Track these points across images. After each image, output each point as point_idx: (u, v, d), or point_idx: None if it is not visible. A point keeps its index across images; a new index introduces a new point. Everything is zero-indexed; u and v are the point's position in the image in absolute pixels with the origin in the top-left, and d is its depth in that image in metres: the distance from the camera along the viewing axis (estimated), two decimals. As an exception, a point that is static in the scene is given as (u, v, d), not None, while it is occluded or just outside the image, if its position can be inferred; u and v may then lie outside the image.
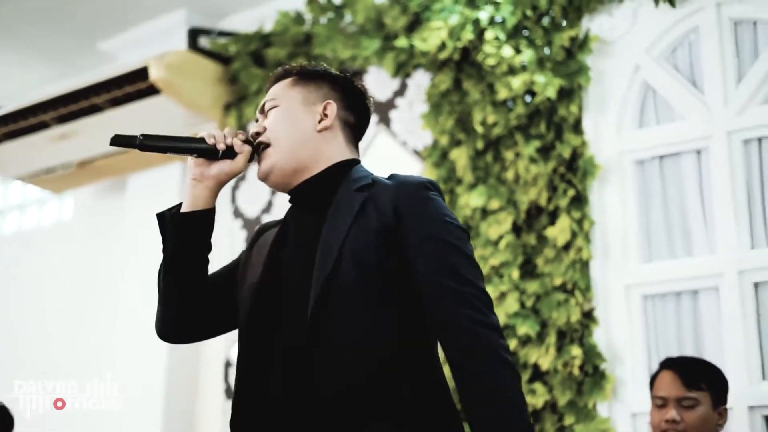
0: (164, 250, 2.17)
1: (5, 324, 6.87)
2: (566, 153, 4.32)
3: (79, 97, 5.71)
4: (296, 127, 2.21)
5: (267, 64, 5.54)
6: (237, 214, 5.57)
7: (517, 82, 4.44)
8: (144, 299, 5.70)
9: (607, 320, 4.20)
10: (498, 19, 4.64)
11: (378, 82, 5.16)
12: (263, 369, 2.04)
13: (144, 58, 5.77)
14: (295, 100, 2.25)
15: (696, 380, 3.37)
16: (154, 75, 5.35)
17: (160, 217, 2.19)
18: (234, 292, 2.24)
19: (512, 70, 4.52)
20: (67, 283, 6.66)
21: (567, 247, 4.28)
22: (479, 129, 4.55)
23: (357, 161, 2.27)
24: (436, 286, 2.00)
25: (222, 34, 5.81)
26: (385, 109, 5.13)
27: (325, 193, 2.15)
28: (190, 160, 2.19)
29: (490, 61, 4.53)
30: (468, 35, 4.64)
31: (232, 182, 5.64)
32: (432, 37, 4.76)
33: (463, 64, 4.75)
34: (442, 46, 4.74)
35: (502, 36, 4.58)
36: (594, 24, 4.48)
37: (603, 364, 4.12)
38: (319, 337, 1.96)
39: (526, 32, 4.59)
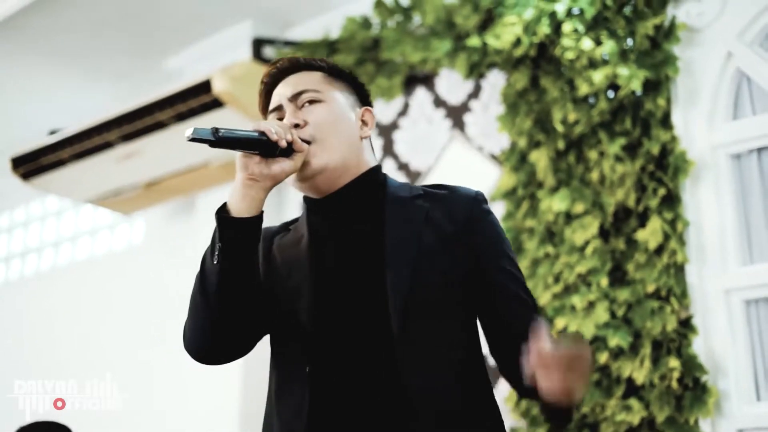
0: (225, 257, 1.92)
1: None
2: (655, 150, 4.02)
3: (143, 114, 5.57)
4: (346, 128, 2.13)
5: (334, 72, 5.32)
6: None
7: (599, 76, 4.15)
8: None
9: (706, 328, 3.87)
10: (576, 10, 4.36)
11: (450, 85, 4.93)
12: (341, 383, 1.94)
13: (209, 71, 5.62)
14: (339, 98, 2.16)
15: None
16: (218, 87, 5.19)
17: (222, 222, 1.94)
18: (263, 298, 2.05)
19: (593, 64, 4.23)
20: (139, 309, 6.51)
21: (659, 250, 3.96)
22: (560, 128, 4.27)
23: (381, 167, 2.22)
24: (516, 298, 2.07)
25: (287, 43, 5.61)
26: (458, 113, 4.88)
27: (370, 199, 2.09)
28: (245, 157, 1.95)
29: (569, 56, 4.25)
30: (544, 29, 4.37)
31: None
32: (506, 34, 4.49)
33: (540, 60, 4.47)
34: (517, 43, 4.47)
35: (581, 28, 4.30)
36: (680, 11, 4.18)
37: (704, 376, 3.79)
38: (405, 351, 1.92)
39: (606, 23, 4.29)
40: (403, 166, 5.01)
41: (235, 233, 1.91)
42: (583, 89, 4.20)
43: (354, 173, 2.10)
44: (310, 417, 1.91)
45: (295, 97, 2.10)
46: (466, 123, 4.84)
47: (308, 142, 2.03)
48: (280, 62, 2.19)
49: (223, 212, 1.95)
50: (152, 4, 5.65)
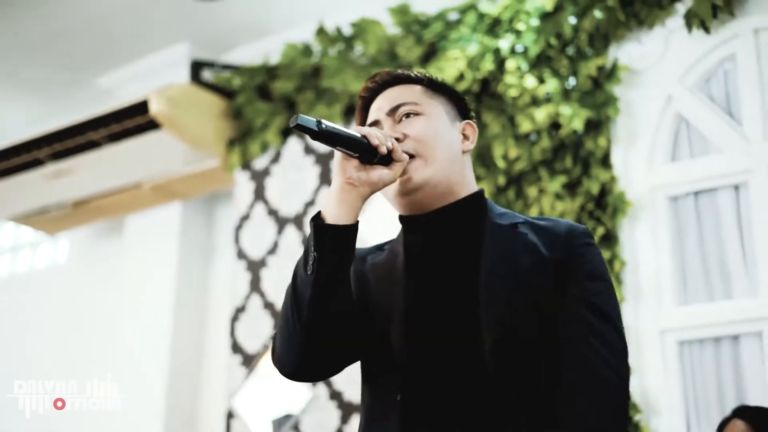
0: (321, 268, 1.79)
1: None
2: (594, 189, 4.06)
3: (75, 133, 5.47)
4: (448, 143, 2.00)
5: (273, 98, 5.30)
6: (241, 255, 5.29)
7: (541, 114, 4.19)
8: (143, 345, 5.56)
9: (640, 368, 3.91)
10: (519, 48, 4.41)
11: (391, 116, 4.91)
12: (434, 414, 1.85)
13: (144, 92, 5.54)
14: (440, 112, 2.04)
15: None
16: (155, 108, 5.11)
17: (319, 229, 1.81)
18: (356, 318, 1.93)
19: (535, 102, 4.27)
20: (61, 330, 6.37)
21: (597, 289, 3.99)
22: (500, 164, 4.29)
23: (484, 192, 2.10)
24: (595, 334, 1.90)
25: (226, 67, 5.56)
26: (398, 144, 4.87)
27: (468, 223, 1.98)
28: (345, 160, 1.84)
29: (512, 92, 4.29)
30: (488, 65, 4.40)
31: (235, 222, 5.39)
32: (449, 68, 4.51)
33: (483, 95, 4.50)
34: (460, 77, 4.50)
35: (525, 66, 4.34)
36: (622, 52, 4.24)
37: (637, 415, 3.84)
38: (496, 381, 1.83)
39: (549, 62, 4.33)
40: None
41: (332, 241, 1.79)
42: (525, 126, 4.23)
43: (457, 193, 1.99)
44: None
45: (393, 111, 2.01)
46: (405, 155, 4.83)
47: (410, 156, 1.92)
48: (378, 76, 2.09)
49: (317, 220, 1.83)
50: (87, 23, 5.56)
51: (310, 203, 5.09)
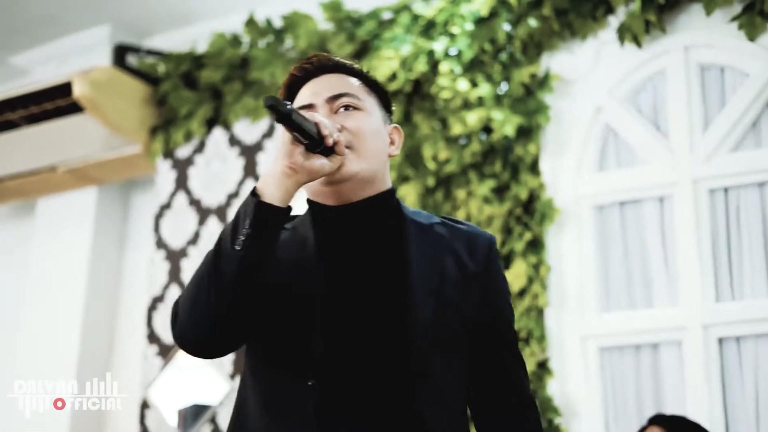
0: (250, 243, 1.75)
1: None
2: (523, 194, 4.13)
3: (-10, 112, 5.31)
4: (381, 144, 2.00)
5: (199, 87, 5.25)
6: (160, 244, 5.23)
7: (473, 118, 4.23)
8: (50, 334, 5.45)
9: (562, 372, 4.00)
10: (453, 51, 4.45)
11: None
12: (358, 409, 1.83)
13: (61, 73, 5.42)
14: (376, 111, 2.03)
15: None
16: (78, 91, 5.00)
17: (260, 206, 1.77)
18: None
19: (467, 105, 4.31)
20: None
21: (522, 293, 4.06)
22: (430, 165, 4.33)
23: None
24: (512, 353, 2.04)
25: (150, 53, 5.48)
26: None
27: (385, 219, 1.97)
28: (292, 144, 1.80)
29: (445, 95, 4.32)
30: (421, 66, 4.43)
31: (155, 210, 5.32)
32: (382, 67, 4.52)
33: (414, 96, 4.53)
34: (393, 77, 4.52)
35: (458, 69, 4.38)
36: (554, 61, 4.31)
37: (558, 418, 3.92)
38: (423, 383, 1.85)
39: (482, 66, 4.38)
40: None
41: (268, 220, 1.77)
42: (457, 129, 4.27)
43: (375, 188, 1.97)
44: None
45: (333, 99, 1.97)
46: (332, 151, 4.83)
47: (348, 147, 1.90)
48: (317, 58, 2.04)
49: (256, 197, 1.79)
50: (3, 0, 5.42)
51: (234, 195, 5.04)
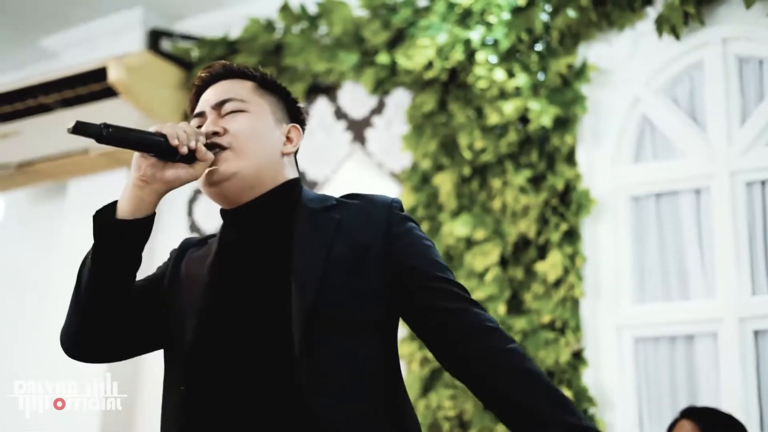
0: (96, 258, 1.86)
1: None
2: (559, 185, 4.14)
3: (26, 96, 5.34)
4: (267, 143, 2.02)
5: (233, 72, 5.25)
6: (194, 228, 5.27)
7: (510, 108, 4.24)
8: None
9: (597, 362, 4.03)
10: (489, 40, 4.45)
11: (353, 99, 4.93)
12: (230, 407, 1.82)
13: (93, 57, 5.44)
14: (265, 112, 2.05)
15: None
16: (113, 76, 5.02)
17: (100, 220, 1.87)
18: (155, 309, 2.00)
19: (504, 95, 4.32)
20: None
21: (557, 283, 4.09)
22: (466, 154, 4.34)
23: (300, 181, 2.11)
24: (444, 297, 1.91)
25: (185, 37, 5.49)
26: (360, 127, 4.89)
27: (279, 212, 1.99)
28: (141, 157, 1.86)
29: (481, 84, 4.33)
30: (457, 55, 4.44)
31: (188, 194, 5.35)
32: (418, 56, 4.53)
33: (450, 85, 4.54)
34: (429, 65, 4.53)
35: (495, 58, 4.38)
36: (591, 52, 4.32)
37: (592, 408, 3.94)
38: (311, 376, 1.78)
39: (519, 56, 4.39)
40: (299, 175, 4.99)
41: (109, 235, 1.86)
42: (493, 119, 4.28)
43: (268, 186, 2.00)
44: None
45: (219, 105, 2.02)
46: (367, 138, 4.85)
47: (223, 148, 1.95)
48: (212, 67, 2.11)
49: (105, 211, 1.88)
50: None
51: (267, 180, 5.06)
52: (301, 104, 2.19)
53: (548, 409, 1.76)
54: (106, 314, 1.89)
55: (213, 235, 2.09)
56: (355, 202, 2.03)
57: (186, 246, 2.11)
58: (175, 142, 1.84)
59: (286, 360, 1.80)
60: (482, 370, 1.83)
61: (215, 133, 1.96)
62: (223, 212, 2.04)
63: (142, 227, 1.87)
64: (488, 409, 1.94)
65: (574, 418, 1.76)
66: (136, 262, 1.90)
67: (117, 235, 1.85)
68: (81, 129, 1.77)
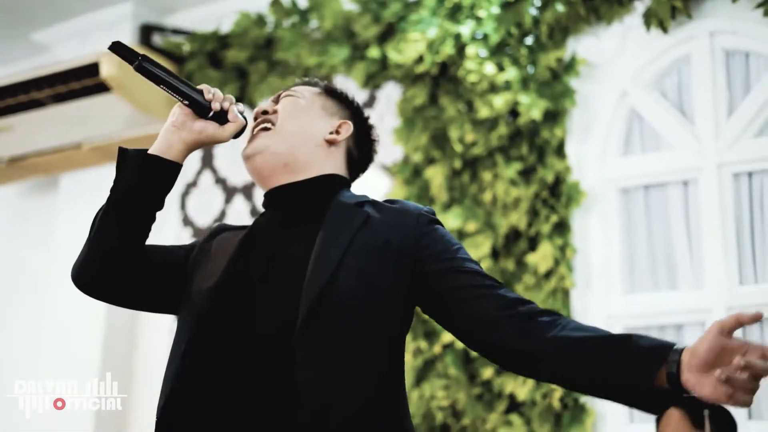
0: (116, 188, 1.96)
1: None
2: (549, 177, 4.20)
3: (18, 91, 5.37)
4: (307, 124, 2.11)
5: (224, 66, 5.30)
6: (186, 222, 5.31)
7: (500, 101, 4.30)
8: (70, 306, 5.50)
9: (588, 352, 4.08)
10: (479, 34, 4.50)
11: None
12: (228, 378, 1.85)
13: (84, 51, 5.47)
14: (317, 102, 2.16)
15: (704, 422, 3.27)
16: (105, 72, 5.06)
17: (123, 151, 1.97)
18: (179, 275, 2.06)
19: (494, 88, 4.37)
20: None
21: (548, 274, 4.15)
22: (457, 147, 4.39)
23: (349, 182, 2.17)
24: (489, 287, 1.92)
25: (176, 32, 5.52)
26: (351, 120, 4.92)
27: (314, 202, 2.05)
28: (179, 106, 2.00)
29: (472, 78, 4.38)
30: (448, 50, 4.49)
31: (181, 188, 5.39)
32: (408, 50, 4.59)
33: (441, 79, 4.58)
34: (419, 60, 4.58)
35: (485, 52, 4.43)
36: (581, 46, 4.37)
37: (583, 396, 4.00)
38: (307, 352, 1.81)
39: (509, 50, 4.45)
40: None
41: (135, 163, 1.95)
42: (483, 112, 4.34)
43: (304, 174, 2.07)
44: (171, 397, 1.87)
45: (278, 97, 2.17)
46: (358, 131, 4.89)
47: (268, 129, 2.08)
48: (296, 82, 2.26)
49: (133, 150, 1.99)
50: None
51: (260, 173, 5.12)
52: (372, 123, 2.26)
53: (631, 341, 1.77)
54: (123, 247, 1.96)
55: (247, 226, 2.14)
56: (389, 205, 2.07)
57: (221, 228, 2.17)
58: (209, 96, 1.97)
59: (288, 334, 1.82)
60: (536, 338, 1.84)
61: (264, 112, 2.10)
62: (264, 195, 2.12)
63: (166, 167, 1.96)
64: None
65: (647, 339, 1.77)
66: (156, 202, 1.98)
67: (142, 165, 1.94)
68: (118, 49, 1.89)
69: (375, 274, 1.92)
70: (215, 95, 1.98)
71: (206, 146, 2.08)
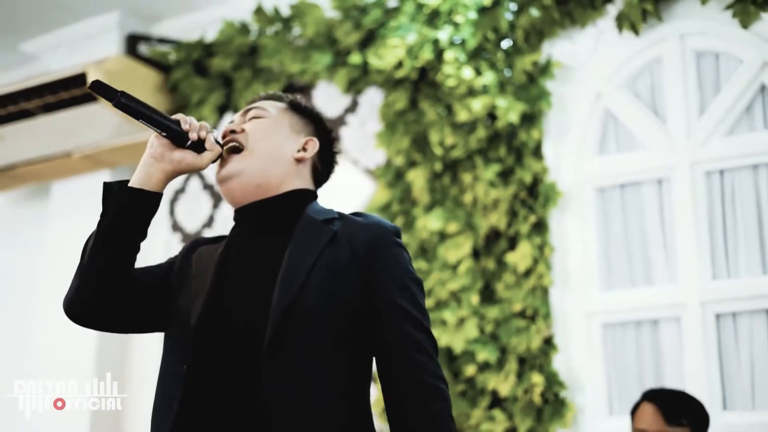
0: (102, 221, 2.03)
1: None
2: (527, 178, 4.30)
3: (7, 102, 5.44)
4: (277, 144, 2.21)
5: (210, 74, 5.39)
6: (176, 227, 5.40)
7: (478, 105, 4.40)
8: (61, 317, 5.54)
9: (567, 348, 4.20)
10: (457, 39, 4.60)
11: (327, 98, 5.06)
12: (208, 392, 1.96)
13: (72, 61, 5.57)
14: (283, 120, 2.26)
15: (677, 416, 3.37)
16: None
17: (108, 186, 2.04)
18: (164, 296, 2.15)
19: (472, 92, 4.47)
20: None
21: (527, 273, 4.25)
22: (437, 150, 4.49)
23: (316, 195, 2.28)
24: (401, 334, 2.03)
25: (162, 41, 5.61)
26: (335, 126, 5.02)
27: (284, 217, 2.14)
28: (156, 137, 2.08)
29: (450, 83, 4.48)
30: (426, 55, 4.58)
31: (169, 195, 5.48)
32: (388, 55, 4.68)
33: (420, 83, 4.69)
34: (399, 65, 4.68)
35: (462, 57, 4.53)
36: (555, 49, 4.47)
37: (563, 391, 4.11)
38: (275, 366, 1.91)
39: (486, 54, 4.55)
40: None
41: (115, 199, 2.02)
42: (462, 116, 4.44)
43: (276, 191, 2.16)
44: (178, 415, 1.94)
45: (245, 113, 2.26)
46: (342, 136, 4.99)
47: (240, 149, 2.16)
48: (259, 96, 2.36)
49: (116, 183, 2.06)
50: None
51: (246, 179, 5.20)
52: (335, 136, 2.39)
53: None
54: (112, 279, 2.03)
55: (224, 236, 2.25)
56: (357, 219, 2.15)
57: (198, 242, 2.26)
58: (186, 126, 2.06)
59: (258, 354, 1.92)
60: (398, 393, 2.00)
61: (233, 132, 2.19)
62: (235, 211, 2.22)
63: (147, 199, 2.04)
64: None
65: None
66: (139, 233, 2.05)
67: (123, 200, 2.01)
68: (99, 88, 1.99)
69: (340, 288, 2.02)
70: (191, 125, 2.07)
71: (185, 174, 2.17)
